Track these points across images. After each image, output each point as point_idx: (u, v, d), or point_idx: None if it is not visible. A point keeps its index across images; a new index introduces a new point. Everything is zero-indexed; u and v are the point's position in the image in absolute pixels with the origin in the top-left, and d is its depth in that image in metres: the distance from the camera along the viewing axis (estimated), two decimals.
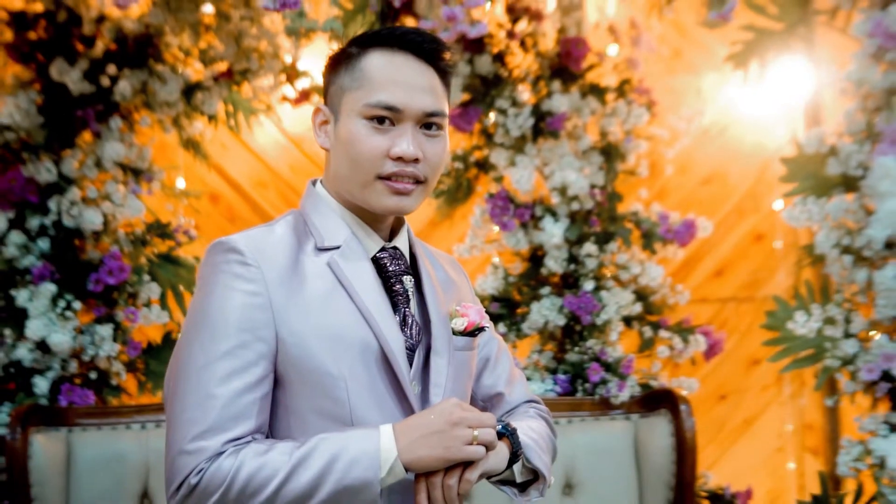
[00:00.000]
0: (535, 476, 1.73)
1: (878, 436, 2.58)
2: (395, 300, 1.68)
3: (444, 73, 1.70)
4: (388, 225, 1.74)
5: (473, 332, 1.74)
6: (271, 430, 1.60)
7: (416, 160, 1.63)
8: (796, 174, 2.82)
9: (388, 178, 1.63)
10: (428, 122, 1.65)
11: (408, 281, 1.71)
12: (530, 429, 1.77)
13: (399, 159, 1.62)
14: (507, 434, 1.64)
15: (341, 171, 1.67)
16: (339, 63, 1.69)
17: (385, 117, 1.62)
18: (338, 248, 1.66)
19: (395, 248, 1.73)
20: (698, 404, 3.61)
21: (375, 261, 1.69)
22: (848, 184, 2.74)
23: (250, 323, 1.55)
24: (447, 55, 1.70)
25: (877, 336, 2.63)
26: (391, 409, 1.61)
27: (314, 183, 1.77)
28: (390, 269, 1.69)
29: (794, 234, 3.65)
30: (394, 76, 1.63)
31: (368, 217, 1.70)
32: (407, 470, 1.51)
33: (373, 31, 1.69)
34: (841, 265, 2.70)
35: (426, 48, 1.67)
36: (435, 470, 1.53)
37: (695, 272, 3.82)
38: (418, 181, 1.65)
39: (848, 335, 2.69)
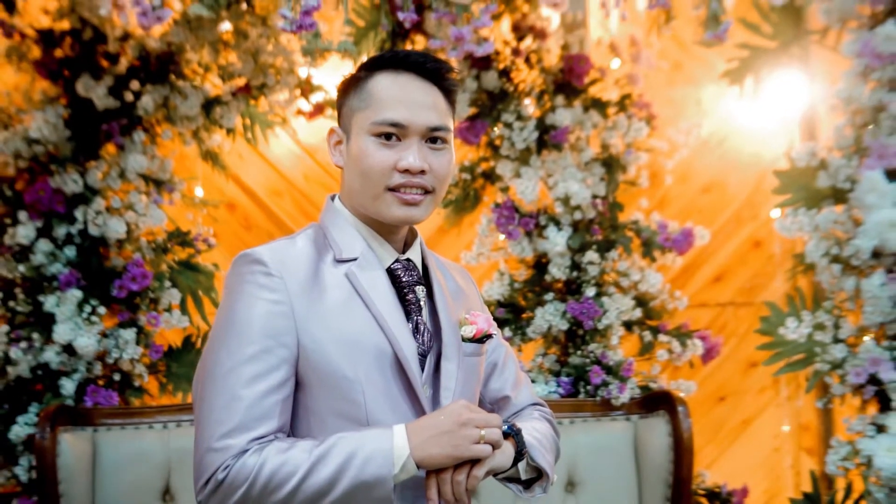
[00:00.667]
0: (538, 474, 1.79)
1: (866, 436, 2.59)
2: (409, 309, 1.74)
3: (447, 91, 1.77)
4: (401, 237, 1.81)
5: (482, 338, 1.81)
6: (292, 429, 1.67)
7: (422, 172, 1.70)
8: (789, 186, 2.83)
9: (396, 189, 1.70)
10: (433, 137, 1.72)
11: (420, 291, 1.78)
12: (535, 429, 1.82)
13: (406, 171, 1.69)
14: (512, 434, 1.71)
15: (354, 185, 1.74)
16: (349, 87, 1.77)
17: (391, 133, 1.70)
18: (355, 259, 1.72)
19: (408, 259, 1.79)
20: (698, 405, 3.56)
21: (390, 272, 1.76)
22: (837, 196, 2.75)
23: (274, 330, 1.61)
24: (450, 74, 1.77)
25: (865, 340, 2.65)
26: (404, 410, 1.68)
27: (332, 198, 1.84)
28: (404, 279, 1.76)
29: (791, 241, 3.62)
30: (398, 95, 1.71)
31: (383, 230, 1.77)
32: (418, 467, 1.57)
33: (378, 55, 1.78)
34: (830, 273, 2.70)
35: (429, 68, 1.74)
36: (445, 467, 1.59)
37: (695, 277, 3.81)
38: (426, 191, 1.72)
39: (837, 340, 2.69)
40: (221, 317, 1.67)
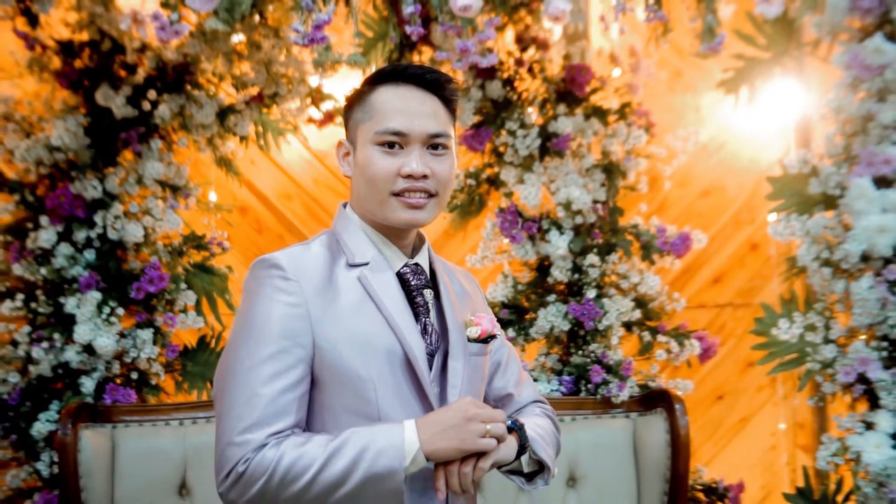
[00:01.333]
0: (540, 467, 1.85)
1: (855, 433, 2.63)
2: (417, 311, 1.81)
3: (447, 100, 1.84)
4: (409, 242, 1.87)
5: (486, 339, 1.88)
6: (308, 425, 1.72)
7: (424, 176, 1.76)
8: (782, 192, 2.86)
9: (401, 194, 1.77)
10: (434, 143, 1.79)
11: (428, 293, 1.84)
12: (537, 425, 1.88)
13: (409, 177, 1.76)
14: (515, 429, 1.77)
15: (362, 192, 1.81)
16: (353, 101, 1.85)
17: (394, 142, 1.77)
18: (367, 264, 1.79)
19: (416, 264, 1.86)
20: (697, 404, 3.63)
21: (400, 275, 1.82)
22: (828, 202, 2.78)
23: (291, 331, 1.68)
24: (449, 84, 1.83)
25: (854, 341, 2.68)
26: (413, 406, 1.74)
27: (344, 205, 1.90)
28: (413, 283, 1.83)
29: (787, 244, 3.62)
30: (399, 106, 1.78)
31: (392, 235, 1.84)
32: (427, 460, 1.64)
33: (380, 70, 1.85)
34: (821, 276, 2.73)
35: (428, 79, 1.81)
36: (452, 460, 1.65)
37: (694, 279, 3.86)
38: (430, 195, 1.78)
39: (828, 340, 2.72)
40: (241, 318, 1.73)
